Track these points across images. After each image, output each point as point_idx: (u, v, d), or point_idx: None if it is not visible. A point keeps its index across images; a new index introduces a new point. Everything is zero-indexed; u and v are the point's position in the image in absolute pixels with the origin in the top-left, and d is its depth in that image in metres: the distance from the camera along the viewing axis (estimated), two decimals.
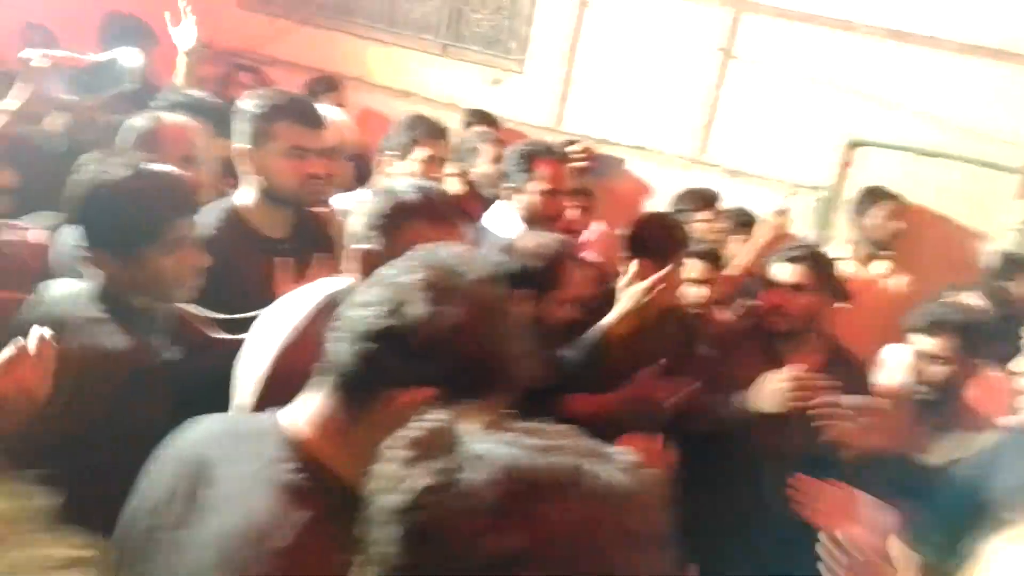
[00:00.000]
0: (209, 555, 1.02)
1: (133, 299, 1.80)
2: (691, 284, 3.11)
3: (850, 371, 2.81)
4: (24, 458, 1.11)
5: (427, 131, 3.20)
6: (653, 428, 2.02)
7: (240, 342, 1.76)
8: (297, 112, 2.28)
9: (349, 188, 3.21)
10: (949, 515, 1.92)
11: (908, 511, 1.94)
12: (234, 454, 1.10)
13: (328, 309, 1.61)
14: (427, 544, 0.73)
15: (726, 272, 3.38)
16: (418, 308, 1.03)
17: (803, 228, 4.26)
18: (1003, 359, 2.30)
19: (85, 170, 1.76)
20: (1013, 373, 2.09)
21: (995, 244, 4.06)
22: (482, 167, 3.51)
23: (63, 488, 1.20)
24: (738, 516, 2.57)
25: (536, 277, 2.26)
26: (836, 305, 2.87)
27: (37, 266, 2.27)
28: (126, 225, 1.73)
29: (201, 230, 1.90)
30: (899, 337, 2.69)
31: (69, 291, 1.83)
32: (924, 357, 2.54)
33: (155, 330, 1.84)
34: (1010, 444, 2.11)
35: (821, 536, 1.70)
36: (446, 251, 1.14)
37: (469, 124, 4.19)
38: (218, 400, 1.43)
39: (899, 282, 3.94)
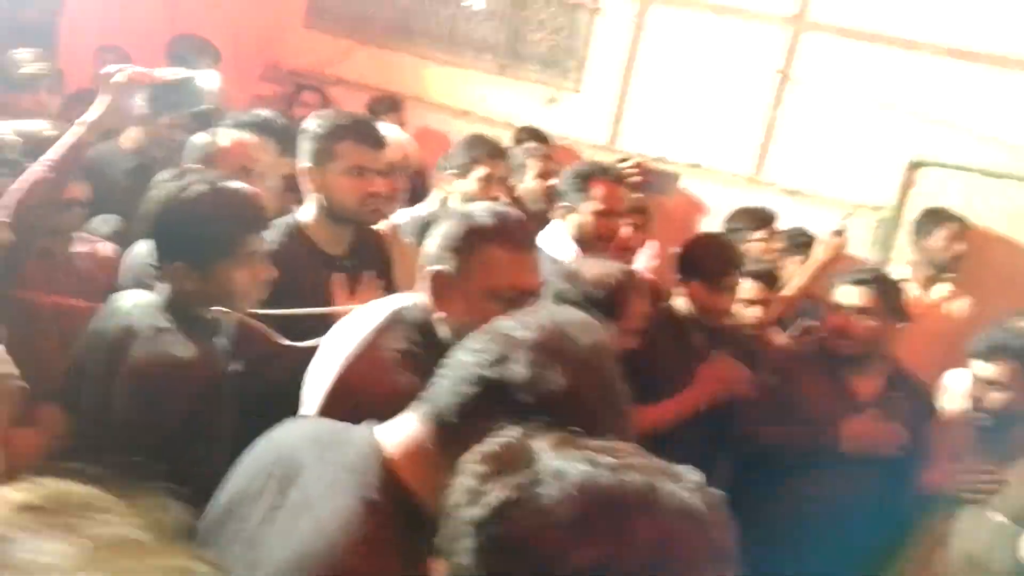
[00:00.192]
0: (284, 555, 1.05)
1: (200, 310, 1.87)
2: (745, 304, 3.09)
3: (913, 395, 2.77)
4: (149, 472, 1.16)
5: (486, 151, 3.24)
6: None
7: (307, 350, 1.81)
8: (359, 132, 2.34)
9: (406, 204, 3.28)
10: None
11: None
12: (321, 460, 1.13)
13: (393, 325, 1.65)
14: (506, 558, 0.74)
15: (783, 293, 3.35)
16: (519, 367, 1.04)
17: (861, 249, 4.20)
18: None
19: (163, 187, 1.85)
20: None
21: None
22: (528, 183, 3.54)
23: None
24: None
25: (601, 308, 2.24)
26: (899, 327, 2.84)
27: (106, 278, 2.37)
28: (203, 239, 1.80)
29: (266, 244, 1.97)
30: (962, 362, 2.64)
31: (139, 301, 1.90)
32: (983, 383, 2.49)
33: (220, 340, 1.91)
34: None
35: None
36: (566, 315, 1.15)
37: (519, 140, 4.23)
38: (286, 409, 1.47)
39: (961, 305, 3.85)
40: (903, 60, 4.21)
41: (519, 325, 1.10)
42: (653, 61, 4.72)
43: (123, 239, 2.57)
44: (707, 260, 2.81)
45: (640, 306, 2.38)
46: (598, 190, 2.93)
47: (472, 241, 1.61)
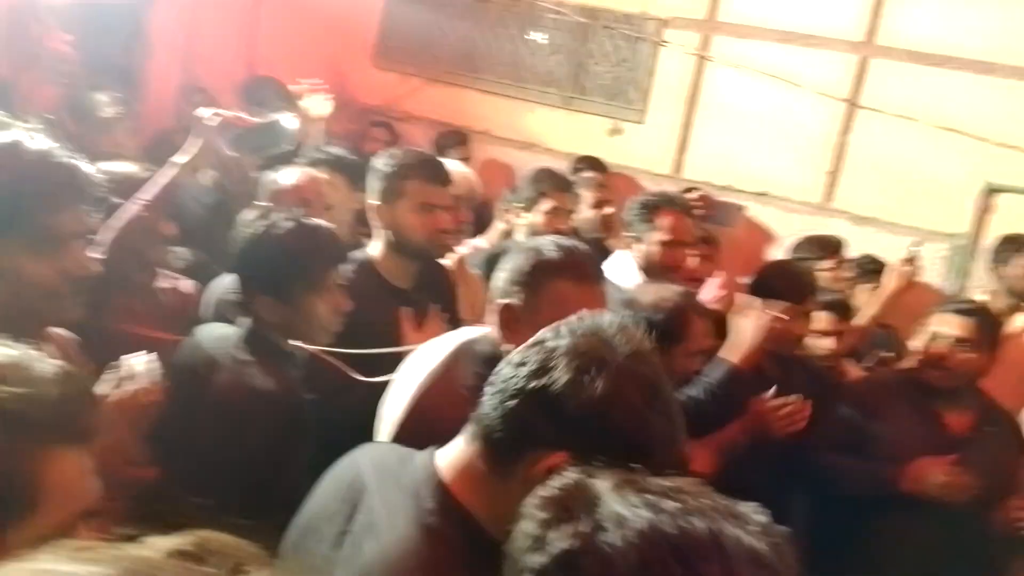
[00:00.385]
0: None
1: (279, 342, 1.95)
2: (818, 336, 3.03)
3: (1003, 429, 2.68)
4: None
5: (553, 184, 3.29)
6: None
7: (378, 385, 1.87)
8: (426, 170, 2.41)
9: (471, 235, 3.34)
10: None
11: None
12: (386, 485, 1.16)
13: (462, 357, 1.69)
14: None
15: (854, 323, 3.29)
16: (562, 374, 1.05)
17: (936, 277, 4.10)
18: None
19: (251, 224, 1.95)
20: None
21: None
22: (584, 212, 3.56)
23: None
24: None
25: (661, 331, 2.25)
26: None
27: (188, 312, 2.47)
28: (290, 272, 1.89)
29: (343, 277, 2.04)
30: None
31: (221, 334, 1.99)
32: None
33: (297, 371, 1.98)
34: None
35: None
36: (606, 321, 1.15)
37: (577, 170, 4.27)
38: (360, 441, 1.51)
39: None
40: (975, 83, 4.13)
41: (558, 334, 1.11)
42: (717, 90, 4.72)
43: (195, 272, 2.67)
44: (784, 284, 2.75)
45: (701, 327, 2.35)
46: (665, 220, 2.93)
47: (539, 275, 1.64)
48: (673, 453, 1.09)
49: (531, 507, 0.81)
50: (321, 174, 2.80)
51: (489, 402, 1.11)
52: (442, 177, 2.44)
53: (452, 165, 2.86)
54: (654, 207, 2.96)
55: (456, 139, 4.92)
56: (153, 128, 4.52)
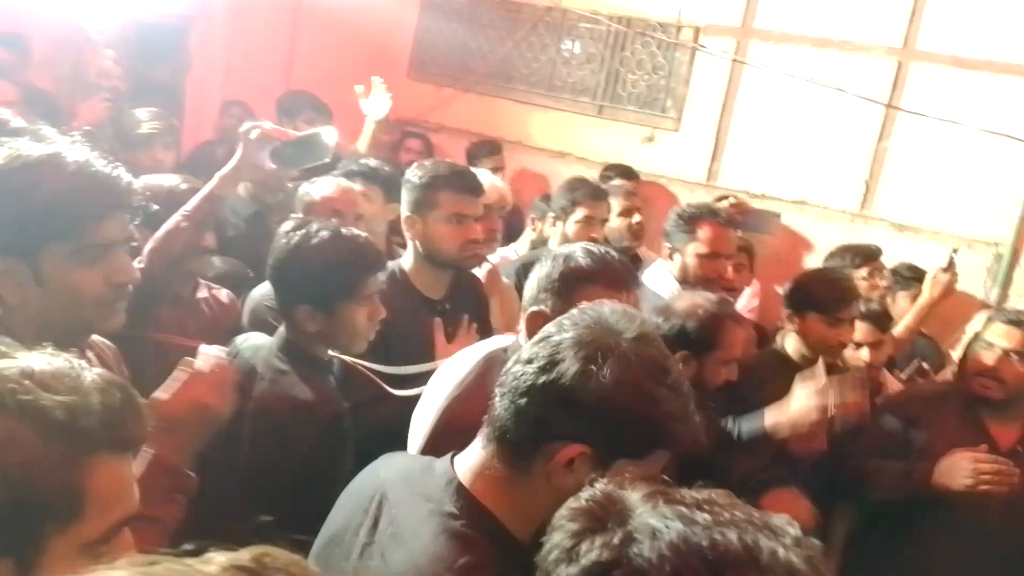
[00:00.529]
0: None
1: (316, 351, 1.97)
2: (855, 346, 2.99)
3: None
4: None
5: (587, 193, 3.31)
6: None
7: (409, 398, 1.88)
8: (457, 182, 2.43)
9: (501, 245, 3.36)
10: None
11: None
12: (407, 493, 1.18)
13: (491, 366, 1.70)
14: None
15: (892, 332, 3.24)
16: (570, 366, 1.07)
17: (977, 286, 4.03)
18: None
19: (289, 235, 1.98)
20: None
21: None
22: (612, 220, 3.56)
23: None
24: None
25: (694, 338, 2.24)
26: None
27: (229, 321, 2.52)
28: (330, 282, 1.92)
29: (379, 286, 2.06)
30: None
31: (260, 343, 2.02)
32: None
33: (333, 381, 2.00)
34: None
35: None
36: (607, 309, 1.16)
37: (607, 178, 4.26)
38: (392, 450, 1.53)
39: None
40: (1016, 88, 4.06)
41: (561, 328, 1.12)
42: (753, 97, 4.69)
43: (230, 282, 2.72)
44: (824, 292, 2.72)
45: (736, 334, 2.32)
46: (704, 232, 2.90)
47: (570, 282, 1.65)
48: (686, 429, 1.10)
49: (562, 518, 0.80)
50: (354, 185, 2.84)
51: (501, 402, 1.12)
52: (473, 187, 2.46)
53: (482, 175, 2.88)
54: (694, 218, 2.92)
55: (488, 148, 4.94)
56: (193, 142, 4.62)
